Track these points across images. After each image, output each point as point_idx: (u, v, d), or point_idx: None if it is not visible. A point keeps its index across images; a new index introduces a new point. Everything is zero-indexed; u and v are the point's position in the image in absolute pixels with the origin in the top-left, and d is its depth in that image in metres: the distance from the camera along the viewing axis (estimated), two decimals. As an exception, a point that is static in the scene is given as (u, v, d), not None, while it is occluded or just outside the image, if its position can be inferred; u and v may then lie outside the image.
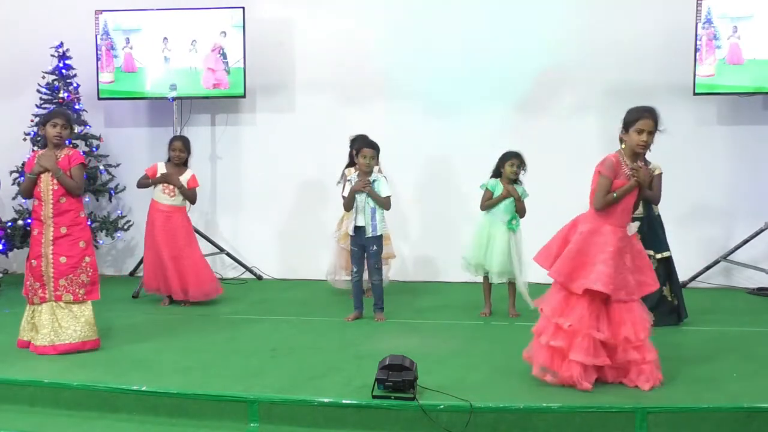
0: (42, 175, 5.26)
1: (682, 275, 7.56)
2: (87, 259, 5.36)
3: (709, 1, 7.20)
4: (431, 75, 7.95)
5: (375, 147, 6.20)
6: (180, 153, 6.85)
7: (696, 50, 7.25)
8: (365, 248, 6.17)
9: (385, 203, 6.11)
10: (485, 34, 7.85)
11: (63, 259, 5.24)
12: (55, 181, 5.23)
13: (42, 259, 5.24)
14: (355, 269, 6.29)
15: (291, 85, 8.29)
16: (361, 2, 8.12)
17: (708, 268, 7.49)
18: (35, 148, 5.39)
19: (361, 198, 6.09)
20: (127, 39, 8.02)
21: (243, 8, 7.87)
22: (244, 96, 8.04)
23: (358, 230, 6.12)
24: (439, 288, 7.71)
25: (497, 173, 6.26)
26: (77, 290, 5.29)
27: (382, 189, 6.12)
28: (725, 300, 7.04)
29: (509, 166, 6.18)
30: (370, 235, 6.10)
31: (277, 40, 8.24)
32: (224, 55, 7.95)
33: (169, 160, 6.90)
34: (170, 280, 6.81)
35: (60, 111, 5.67)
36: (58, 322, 5.24)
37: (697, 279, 7.53)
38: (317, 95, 8.18)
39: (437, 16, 7.94)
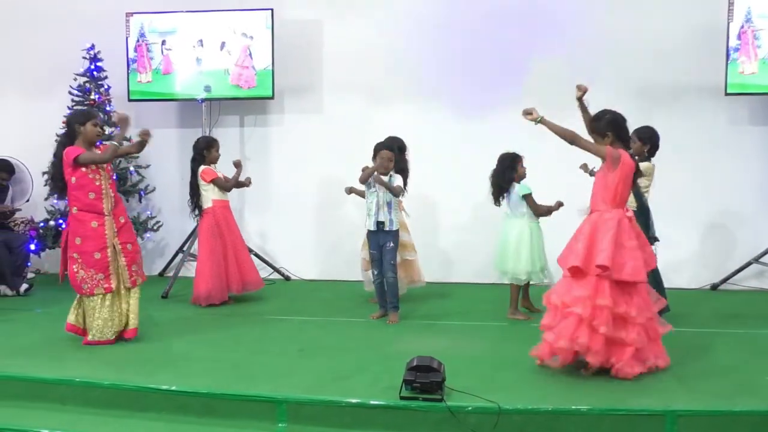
0: (101, 171, 5.44)
1: (714, 277, 7.51)
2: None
3: (749, 1, 7.10)
4: (459, 75, 7.93)
5: (391, 149, 6.28)
6: None
7: (727, 49, 7.16)
8: (382, 247, 6.19)
9: (395, 189, 6.14)
10: (513, 34, 7.82)
11: (129, 246, 5.54)
12: (110, 175, 5.54)
13: (108, 249, 5.42)
14: (375, 272, 6.32)
15: (319, 87, 8.31)
16: (389, 3, 8.12)
17: (740, 270, 7.39)
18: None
19: (380, 194, 6.14)
20: (164, 41, 8.10)
21: (272, 10, 7.91)
22: (272, 97, 8.07)
23: (380, 225, 6.15)
24: (468, 289, 7.67)
25: (510, 177, 6.20)
26: (142, 273, 5.69)
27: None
28: (757, 302, 6.94)
29: (521, 167, 6.27)
30: (387, 229, 6.14)
31: (306, 42, 8.26)
32: (251, 55, 8.00)
33: (203, 162, 6.95)
34: (233, 274, 6.89)
35: (95, 111, 5.85)
36: (131, 306, 5.54)
37: (728, 281, 7.44)
38: (345, 96, 8.19)
39: (464, 17, 7.92)
